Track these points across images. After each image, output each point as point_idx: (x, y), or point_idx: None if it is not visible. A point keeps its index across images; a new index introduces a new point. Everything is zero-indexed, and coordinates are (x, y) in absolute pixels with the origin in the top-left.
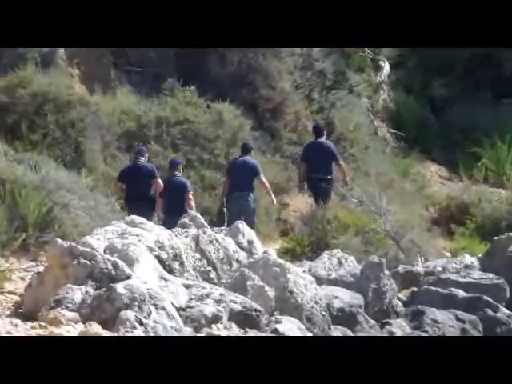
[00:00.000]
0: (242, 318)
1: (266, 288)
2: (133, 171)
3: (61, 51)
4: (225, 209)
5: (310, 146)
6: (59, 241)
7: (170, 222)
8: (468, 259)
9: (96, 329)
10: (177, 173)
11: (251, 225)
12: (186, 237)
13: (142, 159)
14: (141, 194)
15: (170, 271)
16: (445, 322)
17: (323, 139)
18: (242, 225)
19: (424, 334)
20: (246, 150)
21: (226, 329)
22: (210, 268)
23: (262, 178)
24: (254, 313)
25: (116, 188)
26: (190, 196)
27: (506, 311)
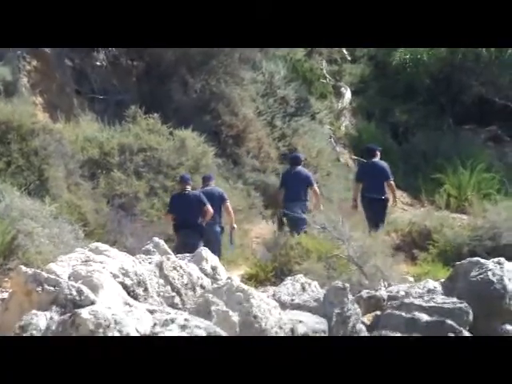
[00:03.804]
0: None
1: (230, 313)
2: (182, 200)
3: (24, 80)
4: (283, 217)
5: (364, 166)
6: (23, 268)
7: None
8: (431, 284)
9: None
10: (211, 183)
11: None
12: (149, 263)
13: (189, 188)
14: (190, 223)
15: (135, 297)
16: None
17: (377, 159)
18: (205, 251)
19: None
20: (295, 162)
21: None
22: (174, 294)
23: (316, 187)
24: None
25: (168, 219)
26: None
27: (469, 335)
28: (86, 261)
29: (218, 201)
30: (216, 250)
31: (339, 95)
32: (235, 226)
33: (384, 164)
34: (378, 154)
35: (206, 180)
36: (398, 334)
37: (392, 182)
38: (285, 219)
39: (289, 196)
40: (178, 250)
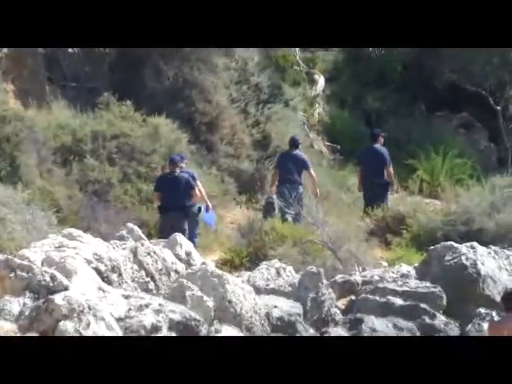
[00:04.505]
0: (182, 327)
1: (205, 298)
2: (171, 182)
3: None
4: (274, 198)
5: (365, 151)
6: None
7: None
8: (405, 268)
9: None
10: (183, 165)
11: (298, 215)
12: (123, 249)
13: (178, 170)
14: (178, 205)
15: (109, 283)
16: (383, 330)
17: (378, 145)
18: (179, 237)
19: None
20: (293, 144)
21: None
22: (148, 279)
23: (311, 170)
24: (193, 322)
25: (156, 199)
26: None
27: (443, 318)
28: (59, 247)
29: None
30: (194, 230)
31: (312, 82)
32: (209, 204)
33: (383, 150)
34: (381, 139)
35: (178, 163)
36: (372, 318)
37: (391, 169)
38: (275, 201)
39: (282, 177)
40: (163, 232)
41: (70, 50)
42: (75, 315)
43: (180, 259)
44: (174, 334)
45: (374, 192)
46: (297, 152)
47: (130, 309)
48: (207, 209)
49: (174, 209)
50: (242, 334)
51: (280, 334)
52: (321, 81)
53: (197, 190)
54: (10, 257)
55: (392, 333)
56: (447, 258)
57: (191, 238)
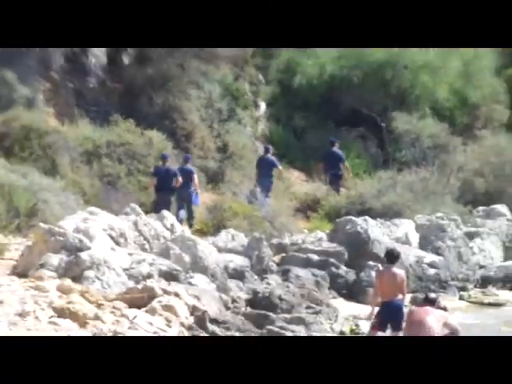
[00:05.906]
0: (168, 275)
1: (183, 255)
2: (164, 171)
3: (40, 96)
4: (258, 189)
5: (328, 152)
6: (42, 224)
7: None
8: (320, 234)
9: (68, 282)
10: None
11: (268, 198)
12: (128, 221)
13: (167, 163)
14: (167, 187)
15: (118, 244)
16: (304, 276)
17: (335, 148)
18: (166, 212)
19: (290, 284)
20: (266, 151)
21: (156, 282)
22: (145, 242)
23: (280, 167)
24: (175, 272)
25: (151, 184)
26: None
27: (345, 268)
28: (84, 219)
29: (190, 174)
30: (190, 208)
31: (257, 107)
32: (198, 190)
33: (340, 151)
34: (337, 144)
35: (184, 160)
36: (297, 268)
37: (347, 164)
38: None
39: (260, 174)
40: (158, 205)
41: (91, 85)
42: (95, 266)
43: (166, 228)
44: (162, 280)
45: (332, 180)
46: (268, 156)
47: (132, 262)
48: (197, 194)
49: (164, 189)
50: (208, 280)
51: (235, 280)
52: (263, 106)
53: (180, 179)
54: (51, 226)
55: (310, 278)
56: (348, 227)
57: (190, 214)
